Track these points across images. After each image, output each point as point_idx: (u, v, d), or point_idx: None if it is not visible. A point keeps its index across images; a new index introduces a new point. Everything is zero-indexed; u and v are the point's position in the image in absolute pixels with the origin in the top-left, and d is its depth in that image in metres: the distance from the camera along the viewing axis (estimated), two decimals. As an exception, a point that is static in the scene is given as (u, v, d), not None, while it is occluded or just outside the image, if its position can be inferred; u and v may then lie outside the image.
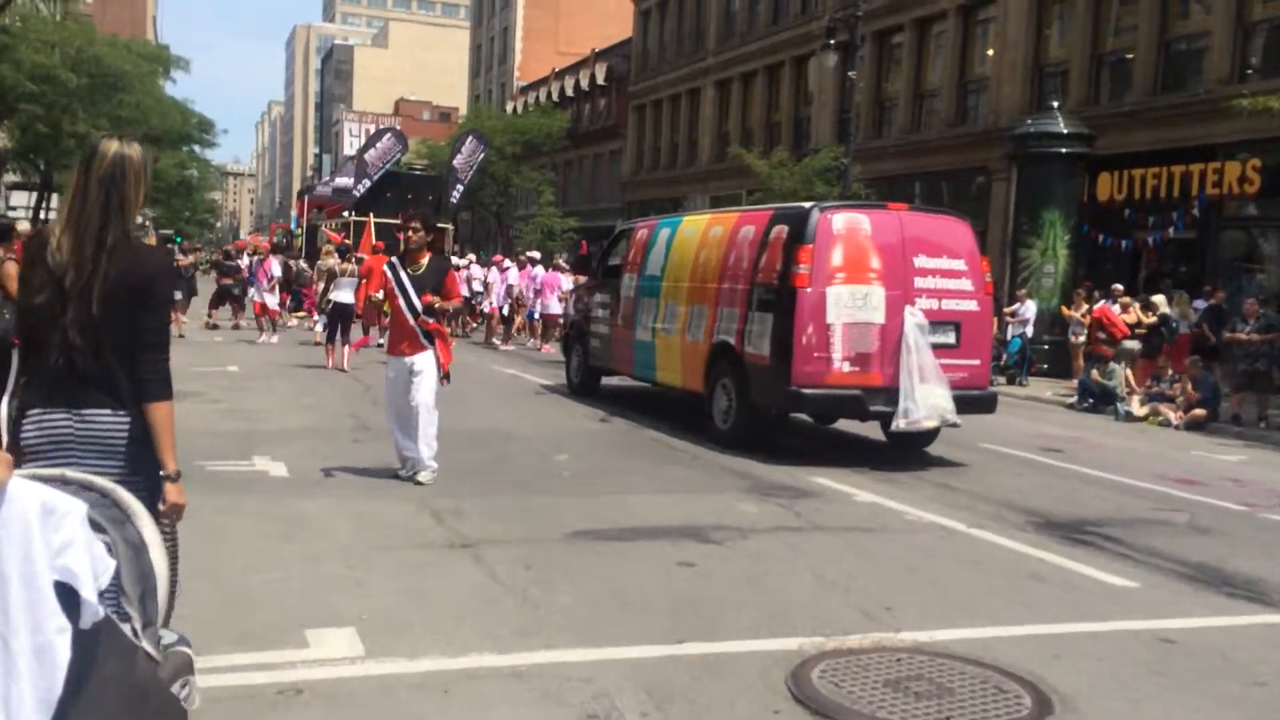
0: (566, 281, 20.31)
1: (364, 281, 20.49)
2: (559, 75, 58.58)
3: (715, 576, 5.59)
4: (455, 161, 31.72)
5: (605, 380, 13.34)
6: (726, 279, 9.96)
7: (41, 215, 35.00)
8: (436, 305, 7.55)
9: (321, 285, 18.69)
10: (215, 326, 21.78)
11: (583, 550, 5.99)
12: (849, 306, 9.00)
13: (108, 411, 3.03)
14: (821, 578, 5.64)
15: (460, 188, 31.69)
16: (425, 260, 7.65)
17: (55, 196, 37.60)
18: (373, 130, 43.53)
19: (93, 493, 2.55)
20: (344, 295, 15.24)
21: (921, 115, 30.41)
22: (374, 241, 20.54)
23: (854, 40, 24.93)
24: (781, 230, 9.34)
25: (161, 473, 3.06)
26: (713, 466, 8.96)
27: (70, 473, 2.64)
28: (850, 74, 25.13)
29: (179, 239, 58.54)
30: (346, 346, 15.41)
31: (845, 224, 9.12)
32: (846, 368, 9.05)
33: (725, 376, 9.89)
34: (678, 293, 10.80)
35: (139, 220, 4.86)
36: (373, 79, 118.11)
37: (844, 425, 11.28)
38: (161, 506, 3.02)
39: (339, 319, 15.35)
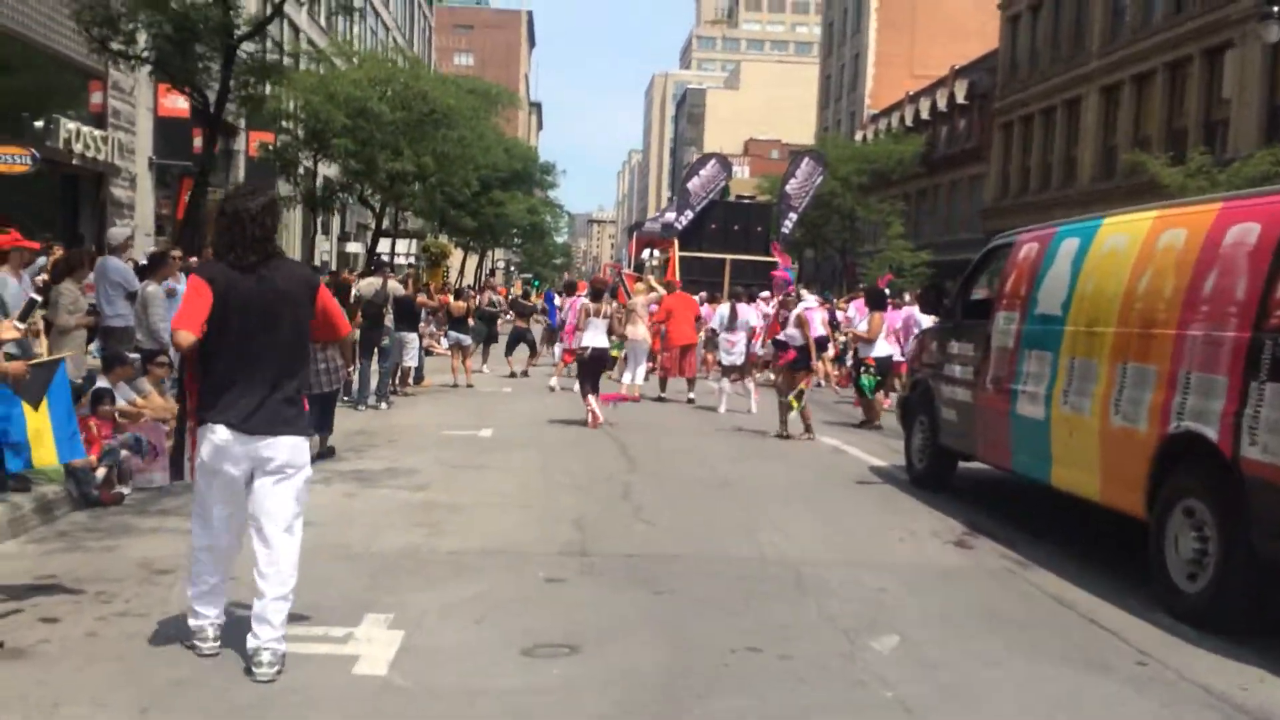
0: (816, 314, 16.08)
1: (664, 324, 17.56)
2: (913, 98, 53.83)
3: None
4: (788, 187, 28.22)
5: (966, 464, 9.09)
6: (1197, 320, 5.53)
7: (383, 255, 35.64)
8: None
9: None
10: (514, 375, 19.63)
11: None
12: None
13: None
14: None
15: (794, 216, 28.13)
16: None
17: (397, 242, 38.27)
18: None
19: None
20: (593, 338, 12.48)
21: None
22: (676, 277, 17.48)
23: (1308, 5, 18.78)
24: (1331, 225, 4.84)
25: None
26: (1181, 688, 4.58)
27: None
28: (1304, 48, 19.04)
29: (536, 282, 59.82)
30: (594, 398, 12.58)
31: None
32: None
33: (1193, 496, 5.46)
34: (1093, 343, 6.47)
35: None
36: (723, 120, 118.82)
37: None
38: None
39: (589, 367, 12.63)
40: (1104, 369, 6.29)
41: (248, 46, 14.86)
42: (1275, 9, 18.29)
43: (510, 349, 20.35)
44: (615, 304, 13.78)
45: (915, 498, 8.77)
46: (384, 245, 37.95)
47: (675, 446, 11.34)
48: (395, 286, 14.03)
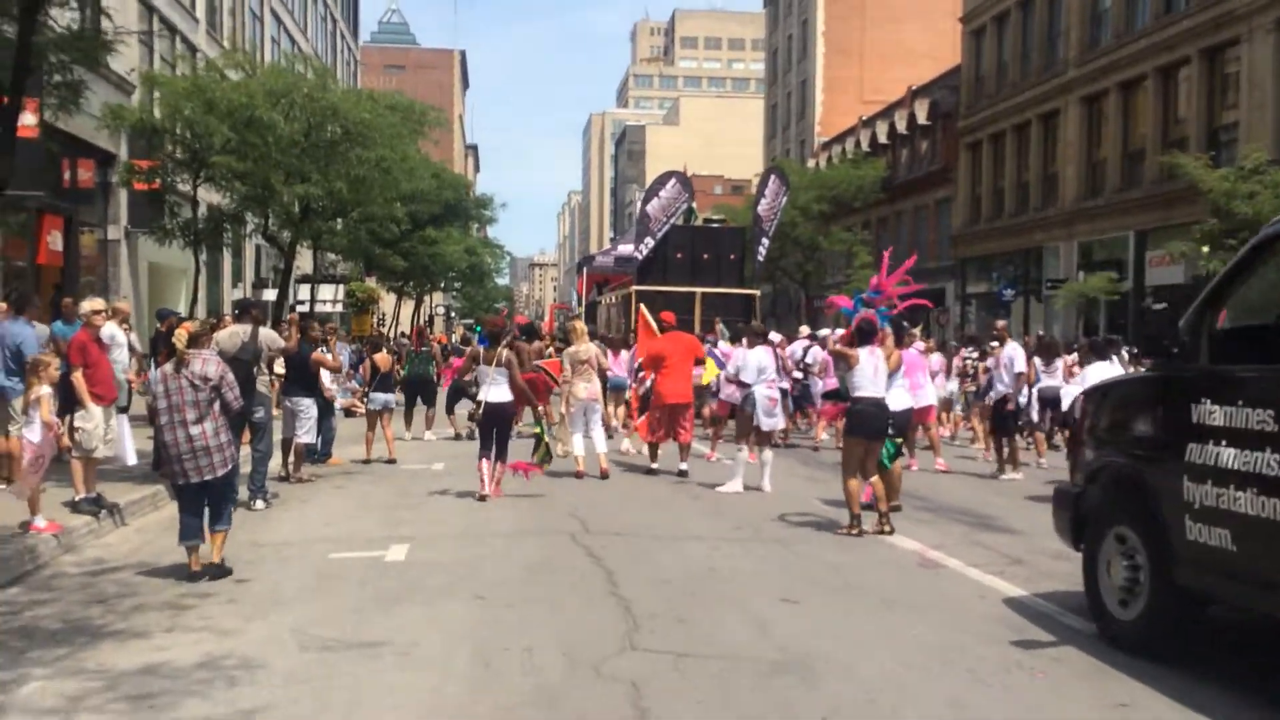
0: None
1: (641, 375, 13.77)
2: (867, 123, 51.08)
3: None
4: (759, 208, 24.62)
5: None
6: None
7: (304, 306, 31.39)
8: None
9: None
10: (459, 436, 15.91)
11: None
12: None
13: None
14: None
15: (766, 241, 24.53)
16: None
17: (320, 288, 33.98)
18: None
19: None
20: (489, 392, 10.30)
21: None
22: (645, 317, 13.71)
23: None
24: None
25: None
26: None
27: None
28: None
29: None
30: (496, 466, 10.38)
31: None
32: None
33: None
34: None
35: None
36: (664, 157, 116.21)
37: None
38: None
39: (490, 426, 10.31)
40: None
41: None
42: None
43: (451, 406, 16.50)
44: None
45: (1146, 684, 4.93)
46: (304, 292, 33.71)
47: (691, 572, 7.31)
48: (270, 336, 10.00)
